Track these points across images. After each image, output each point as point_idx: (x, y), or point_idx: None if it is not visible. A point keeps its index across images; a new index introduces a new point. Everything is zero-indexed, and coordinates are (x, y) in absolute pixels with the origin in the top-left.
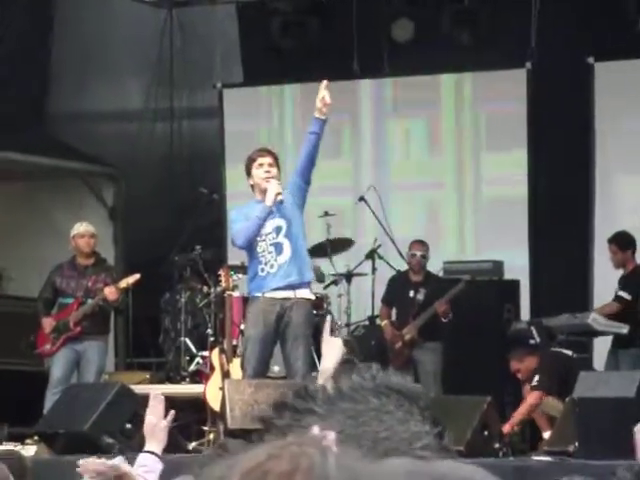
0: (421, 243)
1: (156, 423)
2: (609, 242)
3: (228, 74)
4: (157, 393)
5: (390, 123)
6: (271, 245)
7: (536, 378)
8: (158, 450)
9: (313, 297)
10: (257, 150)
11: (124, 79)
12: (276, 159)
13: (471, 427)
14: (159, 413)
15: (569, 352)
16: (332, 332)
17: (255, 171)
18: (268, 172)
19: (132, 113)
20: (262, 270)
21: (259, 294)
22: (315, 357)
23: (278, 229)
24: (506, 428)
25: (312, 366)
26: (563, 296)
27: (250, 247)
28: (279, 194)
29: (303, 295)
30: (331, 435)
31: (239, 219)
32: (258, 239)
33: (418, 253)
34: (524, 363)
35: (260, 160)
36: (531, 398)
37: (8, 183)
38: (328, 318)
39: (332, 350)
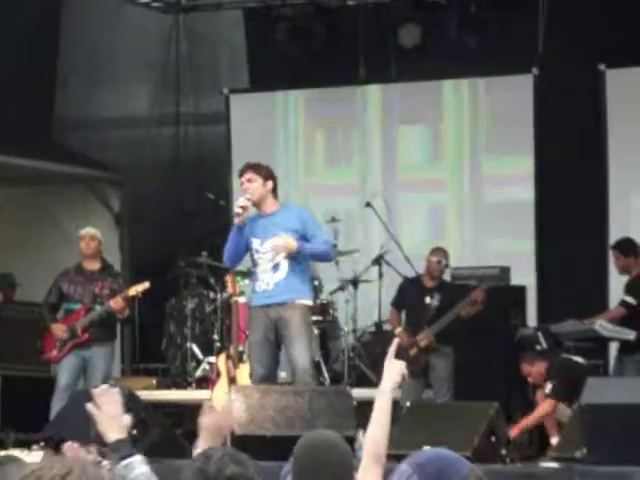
0: (443, 251)
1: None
2: (612, 248)
3: (234, 80)
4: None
5: (397, 129)
6: (268, 262)
7: (549, 386)
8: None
9: (310, 303)
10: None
11: (130, 85)
12: (255, 171)
13: (478, 433)
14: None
15: (580, 359)
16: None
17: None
18: (244, 190)
19: (138, 119)
20: (259, 287)
21: (257, 304)
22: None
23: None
24: (514, 432)
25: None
26: (571, 302)
27: (236, 263)
28: (239, 209)
29: (299, 301)
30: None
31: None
32: (256, 256)
33: (443, 260)
34: (535, 366)
35: (240, 179)
36: (544, 406)
37: (15, 189)
38: (396, 340)
39: (392, 372)
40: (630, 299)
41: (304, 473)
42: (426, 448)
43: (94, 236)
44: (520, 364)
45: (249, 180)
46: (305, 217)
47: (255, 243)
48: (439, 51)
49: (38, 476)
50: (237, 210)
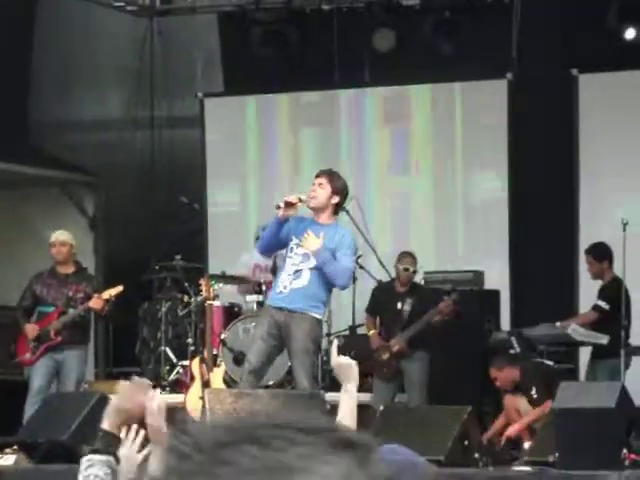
0: (411, 257)
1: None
2: (586, 253)
3: (209, 83)
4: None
5: (371, 133)
6: (293, 266)
7: (534, 390)
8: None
9: (320, 317)
10: None
11: (105, 88)
12: (330, 179)
13: (451, 437)
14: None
15: (550, 362)
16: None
17: None
18: (312, 191)
19: (113, 122)
20: (277, 287)
21: (270, 303)
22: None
23: (305, 257)
24: (514, 431)
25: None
26: (544, 306)
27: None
28: (281, 203)
29: (310, 313)
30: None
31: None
32: (288, 256)
33: (410, 268)
34: (503, 372)
35: (314, 180)
36: (542, 409)
37: None
38: (335, 341)
39: (346, 369)
40: (603, 304)
41: None
42: (384, 448)
43: (64, 242)
44: (489, 368)
45: (320, 185)
46: (343, 240)
47: (293, 242)
48: (413, 56)
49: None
50: (280, 203)
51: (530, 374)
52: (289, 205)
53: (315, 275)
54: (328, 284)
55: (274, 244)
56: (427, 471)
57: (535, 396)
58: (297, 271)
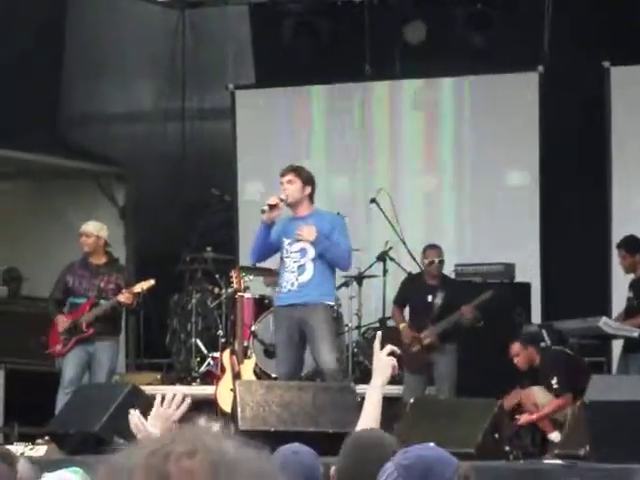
0: (436, 248)
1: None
2: (618, 247)
3: (240, 75)
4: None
5: (402, 125)
6: (294, 263)
7: (555, 380)
8: None
9: (332, 303)
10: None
11: (136, 80)
12: (296, 173)
13: (482, 430)
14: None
15: (569, 351)
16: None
17: None
18: (283, 190)
19: (144, 114)
20: (285, 287)
21: (281, 304)
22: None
23: (303, 252)
24: (525, 420)
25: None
26: (576, 299)
27: (261, 260)
28: (266, 207)
29: (322, 302)
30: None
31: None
32: (285, 256)
33: (436, 259)
34: (527, 350)
35: (281, 179)
36: (562, 402)
37: (21, 183)
38: (379, 333)
39: (383, 366)
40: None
41: (350, 470)
42: (413, 446)
43: (89, 233)
44: (513, 343)
45: (289, 181)
46: (335, 223)
47: (285, 243)
48: (444, 48)
49: (167, 452)
50: (264, 207)
51: (551, 363)
52: (273, 207)
53: (318, 265)
54: (332, 269)
55: (267, 250)
56: (459, 468)
57: (556, 386)
58: (300, 266)
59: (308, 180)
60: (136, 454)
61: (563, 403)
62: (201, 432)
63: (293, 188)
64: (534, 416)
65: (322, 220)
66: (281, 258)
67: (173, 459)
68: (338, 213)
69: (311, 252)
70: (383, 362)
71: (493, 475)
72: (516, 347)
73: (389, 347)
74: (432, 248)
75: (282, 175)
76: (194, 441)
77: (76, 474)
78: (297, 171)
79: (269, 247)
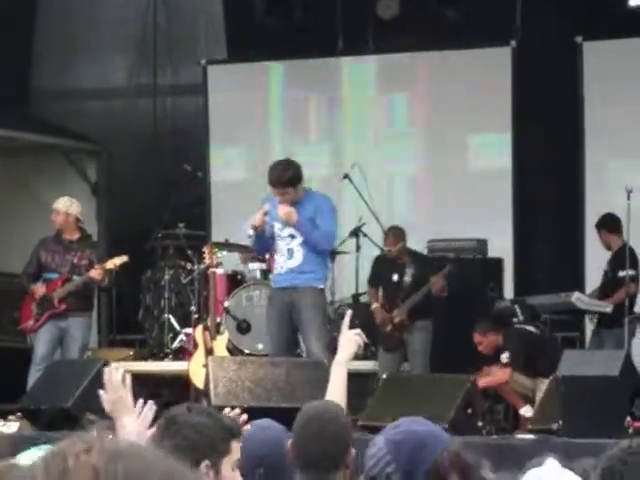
0: (392, 235)
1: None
2: (597, 226)
3: (212, 51)
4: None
5: (374, 100)
6: (285, 246)
7: (506, 355)
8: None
9: (322, 286)
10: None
11: (108, 56)
12: (284, 185)
13: (455, 405)
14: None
15: (533, 329)
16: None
17: None
18: (282, 201)
19: (116, 90)
20: (276, 270)
21: (274, 287)
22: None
23: (292, 236)
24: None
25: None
26: (548, 275)
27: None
28: (251, 232)
29: (311, 285)
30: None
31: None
32: (278, 239)
33: (393, 249)
34: (486, 338)
35: (272, 189)
36: (500, 374)
37: None
38: (349, 311)
39: (348, 343)
40: (623, 272)
41: (303, 444)
42: (403, 420)
43: (58, 210)
44: (473, 332)
45: (282, 195)
46: (320, 206)
47: (276, 227)
48: (417, 23)
49: (64, 451)
50: (249, 232)
51: (508, 340)
52: (258, 227)
53: (307, 249)
54: (320, 256)
55: (268, 245)
56: (450, 443)
57: (505, 361)
58: (289, 250)
59: (295, 181)
60: (37, 457)
61: (501, 377)
62: (98, 436)
63: (288, 197)
64: (480, 382)
65: (310, 202)
66: (274, 240)
67: (71, 455)
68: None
69: (299, 238)
70: (348, 338)
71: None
72: (476, 337)
73: (357, 330)
74: (388, 235)
75: (273, 187)
76: (91, 441)
77: None
78: (284, 183)
79: (268, 241)
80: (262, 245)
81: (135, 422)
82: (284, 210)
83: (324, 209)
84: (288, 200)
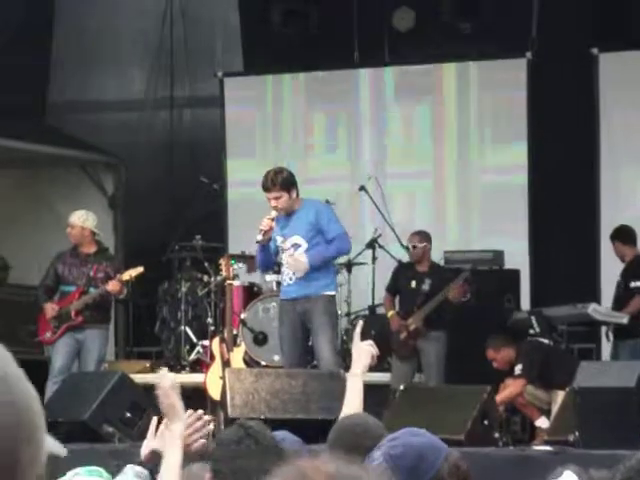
0: (419, 234)
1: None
2: (612, 238)
3: (229, 63)
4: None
5: (390, 112)
6: (290, 257)
7: (519, 367)
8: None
9: (332, 293)
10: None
11: (125, 68)
12: (278, 188)
13: (471, 416)
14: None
15: (546, 340)
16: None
17: None
18: (274, 207)
19: (133, 102)
20: (284, 281)
21: (283, 297)
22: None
23: (296, 246)
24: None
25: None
26: (565, 286)
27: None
28: (260, 237)
29: (322, 293)
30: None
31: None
32: (282, 254)
33: (418, 245)
34: (500, 353)
35: (267, 196)
36: (513, 387)
37: (9, 171)
38: (360, 322)
39: (362, 354)
40: (634, 283)
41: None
42: (402, 432)
43: (73, 224)
44: (486, 349)
45: (276, 198)
46: (320, 210)
47: (279, 240)
48: (433, 35)
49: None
50: (258, 237)
51: (522, 352)
52: (267, 232)
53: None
54: (326, 263)
55: (271, 261)
56: (447, 453)
57: (518, 372)
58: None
59: (291, 185)
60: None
61: (514, 390)
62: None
63: (282, 201)
64: (497, 398)
65: (309, 210)
66: (277, 256)
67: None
68: (327, 201)
69: (304, 246)
70: (362, 350)
71: (483, 462)
72: (489, 353)
73: (369, 341)
74: (414, 234)
75: (266, 190)
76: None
77: (100, 476)
78: (279, 184)
79: (272, 257)
80: (265, 259)
81: (183, 430)
82: (291, 261)
83: (324, 212)
84: (283, 205)
